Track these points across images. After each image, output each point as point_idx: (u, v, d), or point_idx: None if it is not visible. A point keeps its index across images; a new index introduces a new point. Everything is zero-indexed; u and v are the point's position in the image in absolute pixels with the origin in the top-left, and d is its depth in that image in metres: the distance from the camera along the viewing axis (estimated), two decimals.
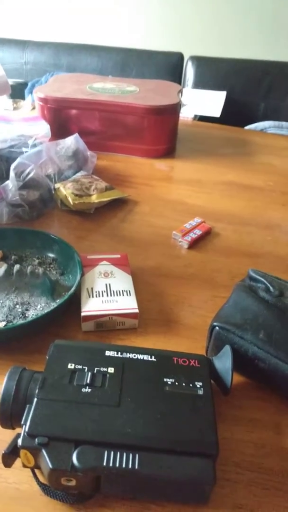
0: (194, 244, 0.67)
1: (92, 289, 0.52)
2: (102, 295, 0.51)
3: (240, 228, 0.73)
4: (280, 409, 0.42)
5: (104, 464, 0.31)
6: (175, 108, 0.95)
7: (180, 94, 1.02)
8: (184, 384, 0.37)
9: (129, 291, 0.52)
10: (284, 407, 0.42)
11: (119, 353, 0.39)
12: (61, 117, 0.95)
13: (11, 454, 0.33)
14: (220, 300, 0.54)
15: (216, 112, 1.30)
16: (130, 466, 0.31)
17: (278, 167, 0.97)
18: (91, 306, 0.49)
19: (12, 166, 0.70)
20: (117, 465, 0.31)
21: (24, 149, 0.77)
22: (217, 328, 0.43)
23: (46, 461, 0.31)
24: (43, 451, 0.32)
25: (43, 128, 0.83)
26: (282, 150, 1.07)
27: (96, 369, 0.37)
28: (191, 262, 0.63)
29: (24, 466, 0.33)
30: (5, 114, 0.95)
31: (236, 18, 1.86)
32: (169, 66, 1.62)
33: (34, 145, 0.79)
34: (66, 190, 0.72)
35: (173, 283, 0.59)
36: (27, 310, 0.50)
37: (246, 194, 0.84)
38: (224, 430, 0.39)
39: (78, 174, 0.79)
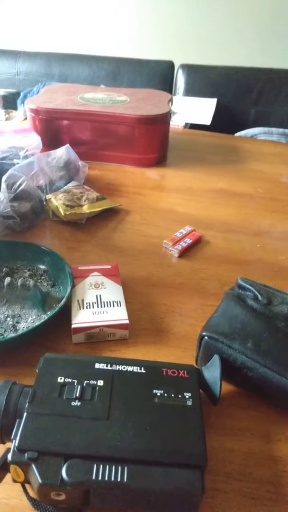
0: (184, 253, 0.68)
1: (82, 300, 0.52)
2: (93, 307, 0.51)
3: (230, 235, 0.73)
4: (269, 417, 0.42)
5: (93, 477, 0.31)
6: (166, 117, 0.97)
7: (170, 103, 1.04)
8: (173, 395, 0.37)
9: (120, 302, 0.52)
10: (273, 415, 0.42)
11: (109, 365, 0.40)
12: (53, 128, 0.96)
13: (1, 469, 0.33)
14: (210, 309, 0.55)
15: (207, 120, 1.31)
16: (119, 479, 0.31)
17: (267, 173, 0.99)
18: (81, 318, 0.50)
19: (4, 178, 0.70)
20: (106, 478, 0.31)
21: (15, 161, 0.78)
22: (206, 337, 0.43)
23: (36, 475, 0.31)
24: (33, 465, 0.32)
25: (34, 140, 0.84)
26: (272, 157, 1.09)
27: (85, 382, 0.38)
28: (181, 271, 0.64)
29: (14, 481, 0.33)
30: None
31: (225, 26, 1.89)
32: (160, 74, 1.64)
33: (26, 157, 0.79)
34: (57, 201, 0.73)
35: (164, 292, 0.59)
36: (18, 322, 0.51)
37: (236, 202, 0.85)
38: (213, 439, 0.40)
39: (70, 185, 0.79)
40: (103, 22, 1.99)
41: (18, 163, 0.77)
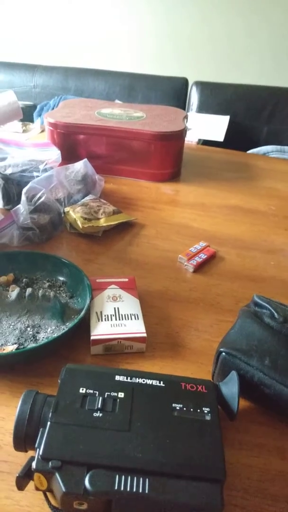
0: (199, 268, 0.69)
1: (101, 312, 0.53)
2: (111, 319, 0.53)
3: (244, 252, 0.74)
4: (285, 434, 0.43)
5: (116, 488, 0.32)
6: (181, 134, 0.99)
7: (185, 120, 1.06)
8: (192, 409, 0.38)
9: (137, 315, 0.53)
10: None
11: (129, 378, 0.41)
12: (70, 142, 0.98)
13: (25, 477, 0.34)
14: (225, 324, 0.56)
15: (220, 137, 1.34)
16: (140, 490, 0.32)
17: (280, 191, 1.00)
18: (100, 330, 0.51)
19: (24, 190, 0.72)
20: (128, 489, 0.32)
21: (35, 174, 0.80)
22: (223, 354, 0.44)
23: (59, 484, 0.32)
24: (57, 474, 0.33)
25: (54, 154, 0.86)
26: (285, 174, 1.10)
27: (106, 393, 0.39)
28: (196, 286, 0.65)
29: (37, 489, 0.34)
30: (17, 140, 0.98)
31: (239, 45, 1.93)
32: (174, 91, 1.67)
33: (45, 170, 0.81)
34: (75, 213, 0.74)
35: (179, 307, 0.60)
36: (37, 333, 0.52)
37: (249, 218, 0.86)
38: (230, 455, 0.40)
39: (87, 198, 0.81)
40: (119, 38, 2.04)
41: (37, 176, 0.79)
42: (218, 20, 1.90)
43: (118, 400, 0.38)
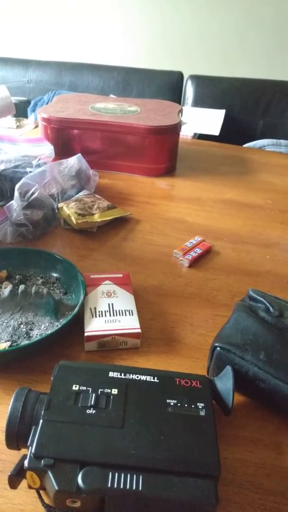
0: (194, 263, 0.68)
1: (95, 308, 0.53)
2: (105, 315, 0.52)
3: (239, 246, 0.74)
4: (281, 429, 0.43)
5: (109, 485, 0.32)
6: (176, 128, 0.98)
7: (180, 114, 1.05)
8: (186, 405, 0.38)
9: (131, 311, 0.53)
10: (284, 427, 0.43)
11: (122, 374, 0.40)
12: (64, 137, 0.97)
13: (18, 475, 0.33)
14: (220, 319, 0.56)
15: (215, 130, 1.33)
16: (134, 487, 0.32)
17: (276, 185, 0.99)
18: (94, 326, 0.50)
19: (17, 186, 0.71)
20: (122, 486, 0.32)
21: (28, 169, 0.79)
22: (218, 348, 0.44)
23: (52, 482, 0.32)
24: (49, 472, 0.32)
25: (47, 149, 0.85)
26: (280, 168, 1.10)
27: (100, 390, 0.38)
28: (191, 280, 0.64)
29: (30, 487, 0.34)
30: (10, 135, 0.97)
31: (234, 38, 1.92)
32: (169, 85, 1.66)
33: (38, 165, 0.81)
34: (69, 209, 0.74)
35: (174, 302, 0.60)
36: (31, 329, 0.51)
37: (245, 213, 0.86)
38: (225, 450, 0.40)
39: (81, 193, 0.80)
40: (113, 33, 2.02)
41: (31, 172, 0.78)
42: (213, 14, 1.88)
43: (111, 396, 0.38)
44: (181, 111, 1.07)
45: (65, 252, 0.69)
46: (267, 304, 0.48)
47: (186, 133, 1.30)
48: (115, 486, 0.32)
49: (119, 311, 0.53)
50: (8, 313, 0.53)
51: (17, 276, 0.60)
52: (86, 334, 0.49)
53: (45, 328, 0.51)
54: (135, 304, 0.55)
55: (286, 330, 0.45)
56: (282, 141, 1.30)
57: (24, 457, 0.34)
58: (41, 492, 0.35)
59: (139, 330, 0.50)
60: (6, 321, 0.52)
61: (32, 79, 1.77)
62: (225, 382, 0.41)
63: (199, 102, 1.58)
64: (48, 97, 1.57)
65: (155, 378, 0.40)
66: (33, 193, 0.72)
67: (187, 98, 1.63)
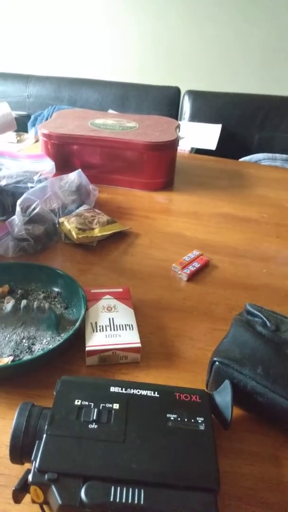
0: (193, 277, 0.70)
1: (96, 323, 0.54)
2: (106, 330, 0.53)
3: (237, 260, 0.75)
4: (279, 442, 0.43)
5: (111, 499, 0.32)
6: (173, 144, 1.00)
7: (177, 130, 1.07)
8: (186, 419, 0.39)
9: (132, 325, 0.54)
10: (282, 440, 0.44)
11: (124, 389, 0.41)
12: (64, 152, 0.99)
13: (21, 490, 0.34)
14: (219, 333, 0.56)
15: (212, 145, 1.35)
16: (136, 501, 0.32)
17: (272, 199, 1.01)
18: (95, 341, 0.51)
19: (18, 202, 0.73)
20: (124, 500, 0.32)
21: (29, 185, 0.81)
22: (217, 363, 0.45)
23: (56, 497, 0.32)
24: (53, 487, 0.33)
25: (48, 165, 0.87)
26: (276, 182, 1.12)
27: (101, 405, 0.39)
28: (190, 294, 0.66)
29: (33, 502, 0.35)
30: (11, 151, 0.99)
31: (230, 54, 1.96)
32: (166, 100, 1.69)
33: (39, 181, 0.82)
34: (70, 224, 0.75)
35: (174, 316, 0.61)
36: (33, 344, 0.52)
37: (242, 226, 0.87)
38: (224, 463, 0.41)
39: (81, 208, 0.82)
40: (112, 48, 2.07)
41: (32, 187, 0.80)
42: (210, 30, 1.93)
43: (113, 411, 0.39)
44: (178, 126, 1.09)
45: (66, 267, 0.70)
46: (264, 319, 0.49)
47: (183, 147, 1.32)
48: (117, 500, 0.32)
49: (119, 325, 0.54)
50: (11, 328, 0.54)
51: (19, 291, 0.61)
52: (87, 348, 0.50)
53: (46, 343, 0.52)
54: (135, 318, 0.56)
55: (282, 344, 0.46)
56: (278, 155, 1.33)
57: (28, 471, 0.34)
58: (45, 506, 0.36)
59: (139, 345, 0.51)
60: (8, 335, 0.53)
61: (32, 94, 1.80)
62: (224, 396, 0.41)
63: (196, 116, 1.61)
64: (48, 112, 1.60)
65: (156, 392, 0.41)
66: (34, 208, 0.74)
67: (184, 113, 1.66)
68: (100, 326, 0.54)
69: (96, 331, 0.53)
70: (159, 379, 0.50)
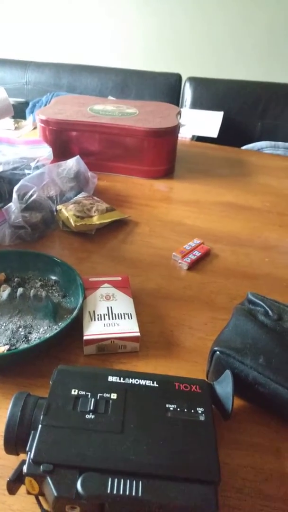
0: (193, 266, 0.68)
1: (94, 312, 0.53)
2: (104, 318, 0.52)
3: (238, 249, 0.74)
4: (280, 433, 0.43)
5: (108, 491, 0.31)
6: (174, 131, 0.98)
7: (178, 116, 1.05)
8: (185, 410, 0.38)
9: (131, 314, 0.53)
10: (284, 431, 0.43)
11: (122, 378, 0.40)
12: (62, 139, 0.97)
13: (16, 481, 0.33)
14: (220, 323, 0.55)
15: (214, 133, 1.33)
16: (133, 493, 0.32)
17: (274, 187, 0.99)
18: (93, 330, 0.50)
19: (15, 188, 0.71)
20: (121, 492, 0.31)
21: (26, 171, 0.79)
22: (217, 352, 0.44)
23: (51, 488, 0.32)
24: (48, 478, 0.32)
25: (46, 151, 0.85)
26: (279, 171, 1.10)
27: (99, 395, 0.38)
28: (190, 283, 0.64)
29: (28, 493, 0.34)
30: (9, 137, 0.97)
31: (232, 41, 1.92)
32: (167, 87, 1.66)
33: (37, 167, 0.80)
34: (68, 211, 0.74)
35: (173, 305, 0.59)
36: (29, 333, 0.51)
37: (244, 215, 0.86)
38: (225, 454, 0.40)
39: (80, 196, 0.80)
40: (112, 34, 2.03)
41: (29, 174, 0.78)
42: (212, 16, 1.89)
43: (111, 401, 0.38)
44: (179, 113, 1.07)
45: (64, 255, 0.69)
46: (266, 308, 0.48)
47: (184, 135, 1.30)
48: (115, 492, 0.31)
49: (118, 314, 0.53)
50: (7, 317, 0.53)
51: (16, 279, 0.59)
52: (85, 337, 0.49)
53: (43, 332, 0.51)
54: (134, 307, 0.54)
55: (285, 334, 0.45)
56: (280, 143, 1.30)
57: (23, 462, 0.33)
58: (40, 498, 0.35)
59: (138, 334, 0.50)
60: (4, 324, 0.52)
61: (31, 81, 1.77)
62: (224, 387, 0.40)
63: (197, 104, 1.58)
64: (47, 99, 1.57)
65: (155, 382, 0.40)
66: (31, 195, 0.72)
67: (186, 100, 1.63)
68: (98, 315, 0.52)
69: (94, 320, 0.52)
70: (158, 369, 0.49)
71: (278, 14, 1.83)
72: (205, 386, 0.40)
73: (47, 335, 0.50)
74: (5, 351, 0.47)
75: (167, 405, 0.38)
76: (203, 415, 0.37)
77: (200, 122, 1.39)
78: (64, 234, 0.74)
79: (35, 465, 0.33)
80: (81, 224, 0.72)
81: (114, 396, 0.38)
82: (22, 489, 0.34)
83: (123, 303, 0.55)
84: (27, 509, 0.35)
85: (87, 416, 0.36)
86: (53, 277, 0.60)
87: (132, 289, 0.59)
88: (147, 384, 0.40)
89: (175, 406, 0.38)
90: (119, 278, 0.59)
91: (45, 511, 0.34)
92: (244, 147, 1.34)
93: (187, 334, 0.55)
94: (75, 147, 0.98)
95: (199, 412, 0.38)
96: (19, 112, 1.49)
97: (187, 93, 1.62)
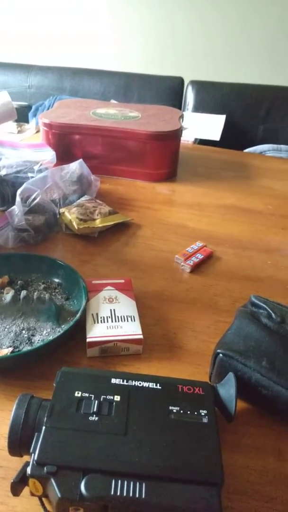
0: (196, 268, 0.68)
1: (97, 314, 0.53)
2: (107, 321, 0.52)
3: (241, 252, 0.74)
4: (283, 435, 0.42)
5: (112, 493, 0.31)
6: (177, 134, 0.98)
7: (181, 120, 1.06)
8: (189, 412, 0.38)
9: (133, 317, 0.53)
10: (287, 433, 0.43)
11: (125, 380, 0.40)
12: (65, 142, 0.98)
13: (20, 482, 0.33)
14: (222, 325, 0.55)
15: (216, 136, 1.33)
16: (137, 495, 0.32)
17: (277, 190, 1.00)
18: (96, 332, 0.50)
19: (18, 192, 0.72)
20: (124, 494, 0.32)
21: (30, 175, 0.80)
22: (220, 355, 0.44)
23: (55, 490, 0.32)
24: (52, 480, 0.32)
25: (49, 155, 0.86)
26: (281, 173, 1.10)
27: (102, 397, 0.38)
28: (193, 286, 0.65)
29: (32, 494, 0.34)
30: (12, 140, 0.97)
31: (235, 44, 1.93)
32: (170, 90, 1.66)
33: (40, 171, 0.81)
34: (71, 214, 0.74)
35: (176, 308, 0.60)
36: (33, 335, 0.51)
37: (246, 218, 0.86)
38: (228, 457, 0.40)
39: (83, 199, 0.81)
40: (114, 38, 2.04)
41: (32, 177, 0.78)
42: (214, 19, 1.89)
43: (114, 403, 0.38)
44: (182, 116, 1.07)
45: (67, 257, 0.69)
46: (269, 310, 0.48)
47: (187, 138, 1.30)
48: (118, 493, 0.32)
49: (121, 317, 0.53)
50: (10, 319, 0.53)
51: (19, 282, 0.60)
52: (88, 340, 0.49)
53: (47, 334, 0.51)
54: (137, 310, 0.55)
55: None
56: (283, 146, 1.31)
57: (27, 464, 0.33)
58: (44, 499, 0.35)
59: (141, 336, 0.50)
60: (8, 326, 0.52)
61: (33, 84, 1.78)
62: (227, 389, 0.40)
63: (199, 107, 1.59)
64: (49, 102, 1.58)
65: (158, 384, 0.40)
66: (34, 198, 0.72)
67: (188, 103, 1.63)
68: (101, 317, 0.53)
69: (97, 322, 0.52)
70: (161, 371, 0.49)
71: (279, 17, 1.84)
72: (208, 388, 0.40)
73: (50, 338, 0.50)
74: (8, 353, 0.48)
75: (170, 407, 0.38)
76: (206, 417, 0.37)
77: (202, 125, 1.39)
78: (67, 237, 0.75)
79: (39, 467, 0.33)
80: (84, 227, 0.73)
81: (117, 398, 0.38)
82: (26, 490, 0.34)
83: (126, 306, 0.55)
84: (30, 511, 0.35)
85: (91, 418, 0.36)
86: (56, 280, 0.61)
87: (135, 292, 0.59)
88: (150, 386, 0.40)
89: (178, 408, 0.38)
90: (122, 281, 0.59)
91: None
92: (246, 150, 1.34)
93: (190, 336, 0.55)
94: (78, 150, 0.98)
95: (202, 414, 0.38)
96: (22, 115, 1.50)
97: (190, 96, 1.63)
